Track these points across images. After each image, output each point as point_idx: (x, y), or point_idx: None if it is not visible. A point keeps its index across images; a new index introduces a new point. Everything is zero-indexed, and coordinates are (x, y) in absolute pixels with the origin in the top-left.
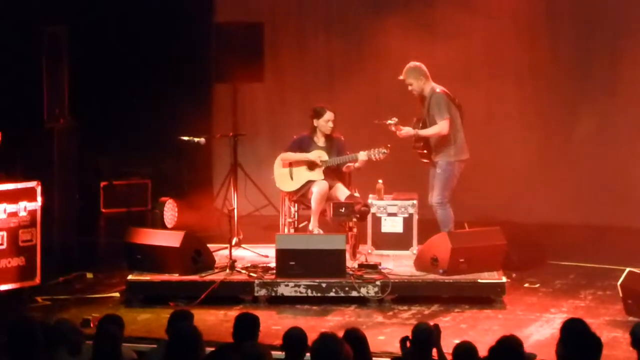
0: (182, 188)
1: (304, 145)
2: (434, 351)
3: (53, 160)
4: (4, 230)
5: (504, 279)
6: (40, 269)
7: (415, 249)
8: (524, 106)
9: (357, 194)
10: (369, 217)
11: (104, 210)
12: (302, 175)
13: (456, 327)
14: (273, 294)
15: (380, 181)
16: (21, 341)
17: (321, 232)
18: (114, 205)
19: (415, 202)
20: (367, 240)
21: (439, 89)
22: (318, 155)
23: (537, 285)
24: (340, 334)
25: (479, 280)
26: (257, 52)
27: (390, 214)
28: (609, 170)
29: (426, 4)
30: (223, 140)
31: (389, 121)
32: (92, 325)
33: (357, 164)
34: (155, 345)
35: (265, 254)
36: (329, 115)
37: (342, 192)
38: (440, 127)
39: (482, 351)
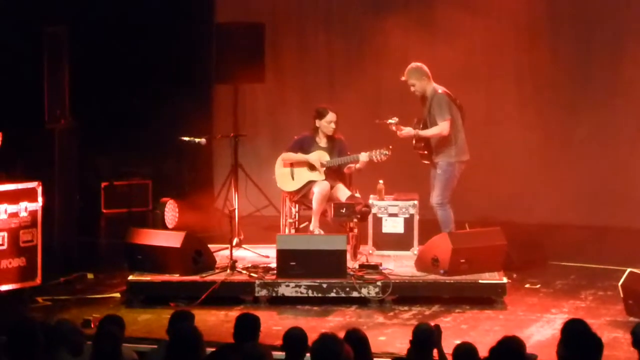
0: (183, 188)
1: (305, 145)
2: (435, 352)
3: (54, 160)
4: (5, 231)
5: (505, 280)
6: (41, 269)
7: (416, 249)
8: (524, 106)
9: (358, 195)
10: (370, 218)
11: (104, 211)
12: (303, 175)
13: (457, 328)
14: (274, 295)
15: (381, 182)
16: (22, 341)
17: (322, 232)
18: (115, 206)
19: (416, 202)
20: (367, 240)
21: (440, 89)
22: (319, 156)
23: (538, 286)
24: (341, 334)
25: (480, 281)
26: (257, 53)
27: (391, 215)
28: (610, 170)
29: (426, 4)
30: (224, 141)
31: (390, 120)
32: (92, 325)
33: (358, 165)
34: (155, 346)
35: (266, 254)
36: (331, 116)
37: (343, 192)
38: (441, 127)
39: (483, 352)
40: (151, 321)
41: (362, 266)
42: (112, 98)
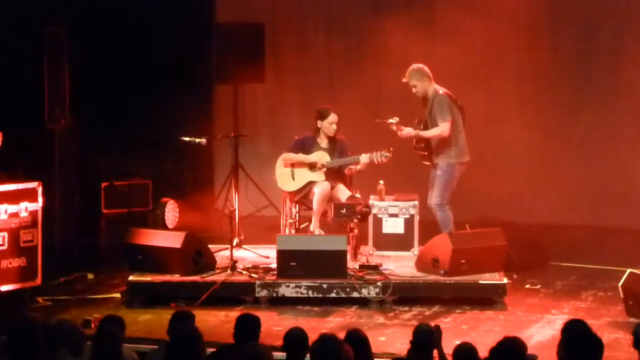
0: (183, 189)
1: (306, 145)
2: (435, 352)
3: (54, 160)
4: (5, 231)
5: (505, 280)
6: (41, 269)
7: (416, 249)
8: (524, 106)
9: (358, 195)
10: (370, 218)
11: (104, 211)
12: (304, 175)
13: (457, 328)
14: (274, 295)
15: (381, 182)
16: (22, 342)
17: (322, 233)
18: (115, 206)
19: (416, 203)
20: (368, 241)
21: (441, 90)
22: (320, 157)
23: (538, 287)
24: (342, 335)
25: (480, 281)
26: (258, 53)
27: (391, 215)
28: (610, 170)
29: (426, 4)
30: (224, 141)
31: (391, 120)
32: (93, 326)
33: (358, 167)
34: (156, 346)
35: (266, 254)
36: (333, 117)
37: (343, 193)
38: (442, 128)
39: (483, 352)
40: (151, 321)
41: (362, 267)
42: (113, 98)
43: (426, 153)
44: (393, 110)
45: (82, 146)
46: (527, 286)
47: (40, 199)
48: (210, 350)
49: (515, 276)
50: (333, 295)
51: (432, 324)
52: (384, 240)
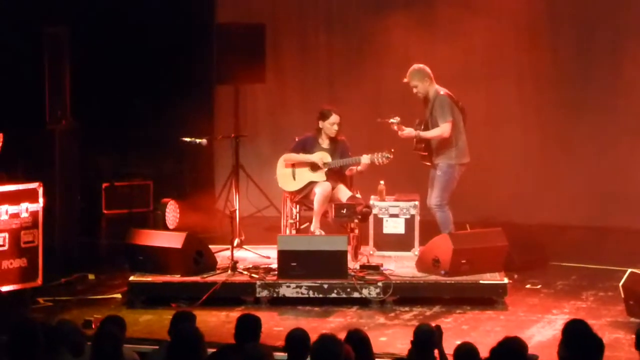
0: (184, 189)
1: (307, 146)
2: (436, 352)
3: (55, 161)
4: (6, 232)
5: (506, 280)
6: (42, 270)
7: (417, 250)
8: (525, 107)
9: (358, 195)
10: (371, 218)
11: (105, 212)
12: (305, 175)
13: (458, 328)
14: (275, 295)
15: (382, 182)
16: (22, 342)
17: (323, 233)
18: (116, 207)
19: (417, 203)
20: (368, 241)
21: (442, 91)
22: (321, 157)
23: (539, 287)
24: (342, 335)
25: (481, 282)
26: (258, 53)
27: (392, 215)
28: (611, 171)
29: (426, 4)
30: (225, 142)
31: (392, 120)
32: (93, 326)
33: (359, 167)
34: (157, 347)
35: (267, 255)
36: (334, 118)
37: (344, 193)
38: (443, 129)
39: (484, 352)
40: (152, 322)
41: (363, 267)
42: (113, 99)
43: (426, 153)
44: (393, 110)
45: (83, 147)
46: (528, 286)
47: (41, 199)
48: (211, 350)
49: (515, 276)
50: (334, 295)
51: (433, 324)
52: (384, 240)
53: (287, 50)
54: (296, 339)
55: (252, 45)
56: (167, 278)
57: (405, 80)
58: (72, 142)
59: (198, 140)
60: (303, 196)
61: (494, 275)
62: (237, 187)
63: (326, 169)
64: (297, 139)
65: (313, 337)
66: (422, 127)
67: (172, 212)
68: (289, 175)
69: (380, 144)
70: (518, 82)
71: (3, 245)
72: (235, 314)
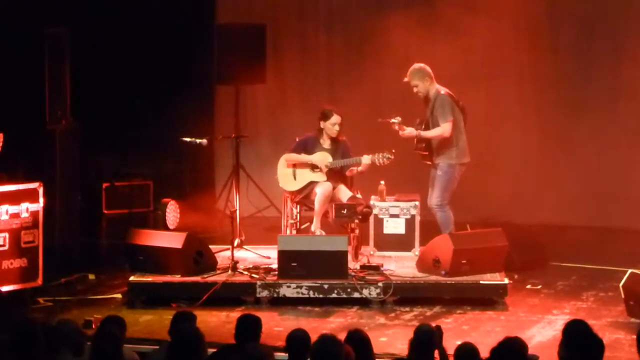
0: (184, 189)
1: (309, 146)
2: (436, 352)
3: (55, 161)
4: (6, 232)
5: (506, 281)
6: (42, 270)
7: (417, 250)
8: (525, 107)
9: (359, 196)
10: (371, 219)
11: (105, 212)
12: (306, 175)
13: (458, 329)
14: (275, 296)
15: (382, 182)
16: (23, 342)
17: (323, 233)
18: (116, 207)
19: (417, 203)
20: (369, 241)
21: (443, 90)
22: (322, 158)
23: (539, 287)
24: (343, 335)
25: (481, 282)
26: (259, 54)
27: (392, 216)
28: (611, 171)
29: (427, 4)
30: (225, 142)
31: (393, 120)
32: (94, 326)
33: (360, 168)
34: (157, 347)
35: (267, 255)
36: (335, 118)
37: (344, 193)
38: (443, 129)
39: (484, 353)
40: (152, 322)
41: (363, 267)
42: (113, 99)
43: (427, 153)
44: (394, 110)
45: (83, 147)
46: (528, 286)
47: (41, 199)
48: (211, 350)
49: (516, 276)
50: (334, 295)
51: (433, 325)
52: (385, 240)
53: (287, 50)
54: (297, 339)
55: (252, 45)
56: (168, 278)
57: (406, 79)
58: (72, 142)
59: (198, 141)
60: (304, 196)
61: (494, 276)
62: (237, 187)
63: (327, 169)
64: (297, 139)
65: (313, 337)
66: (423, 127)
67: (172, 212)
68: (289, 175)
69: (381, 144)
70: (518, 82)
71: (3, 245)
72: (235, 314)
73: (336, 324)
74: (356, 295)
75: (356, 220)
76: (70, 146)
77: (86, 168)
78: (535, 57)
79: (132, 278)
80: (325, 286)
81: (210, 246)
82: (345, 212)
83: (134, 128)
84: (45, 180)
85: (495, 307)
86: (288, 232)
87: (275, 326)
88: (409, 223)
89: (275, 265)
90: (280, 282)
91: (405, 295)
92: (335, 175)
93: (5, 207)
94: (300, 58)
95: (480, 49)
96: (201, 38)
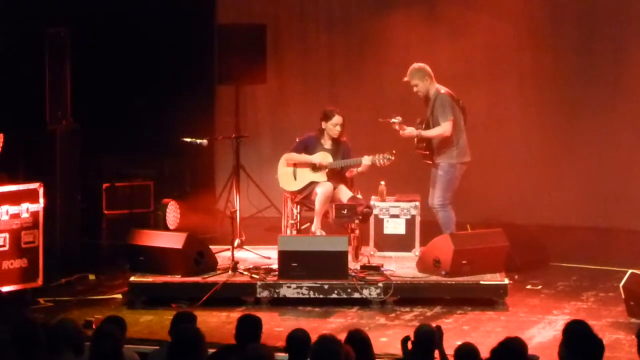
0: (185, 189)
1: (310, 146)
2: (436, 353)
3: (55, 161)
4: (7, 232)
5: (507, 281)
6: (43, 270)
7: (417, 250)
8: (526, 107)
9: (359, 196)
10: (372, 219)
11: (106, 212)
12: (306, 175)
13: (458, 329)
14: (275, 296)
15: (382, 183)
16: (23, 342)
17: (323, 233)
18: (116, 207)
19: (417, 203)
20: (369, 241)
21: (443, 90)
22: (322, 157)
23: (540, 287)
24: (343, 335)
25: (482, 282)
26: (259, 54)
27: (392, 216)
28: (612, 171)
29: (427, 3)
30: (225, 142)
31: (393, 120)
32: (94, 327)
33: (360, 169)
34: (157, 347)
35: (267, 255)
36: (337, 119)
37: (344, 193)
38: (444, 128)
39: (485, 353)
40: (153, 322)
41: (363, 267)
42: (114, 99)
43: (427, 153)
44: (394, 110)
45: (84, 147)
46: (529, 287)
47: (41, 199)
48: (211, 351)
49: (516, 277)
50: (334, 296)
51: (434, 325)
52: (385, 241)
53: (287, 50)
54: (297, 340)
55: (252, 45)
56: (168, 278)
57: (406, 79)
58: (72, 142)
59: (199, 141)
60: (304, 196)
61: (494, 276)
62: (237, 187)
63: (327, 170)
64: (297, 139)
65: (313, 337)
66: (423, 127)
67: (172, 212)
68: (290, 174)
69: (381, 144)
70: (519, 82)
71: (4, 246)
72: (235, 314)
73: (336, 324)
74: (356, 295)
75: (356, 221)
76: (70, 146)
77: (86, 168)
78: (536, 57)
79: (132, 278)
80: (326, 286)
81: (211, 246)
82: (345, 212)
83: (134, 128)
84: (45, 181)
85: (496, 308)
86: (288, 232)
87: (276, 326)
88: (409, 223)
89: (275, 266)
90: (280, 282)
91: (405, 295)
92: (336, 175)
93: (5, 207)
94: (301, 58)
95: (480, 49)
96: (201, 38)
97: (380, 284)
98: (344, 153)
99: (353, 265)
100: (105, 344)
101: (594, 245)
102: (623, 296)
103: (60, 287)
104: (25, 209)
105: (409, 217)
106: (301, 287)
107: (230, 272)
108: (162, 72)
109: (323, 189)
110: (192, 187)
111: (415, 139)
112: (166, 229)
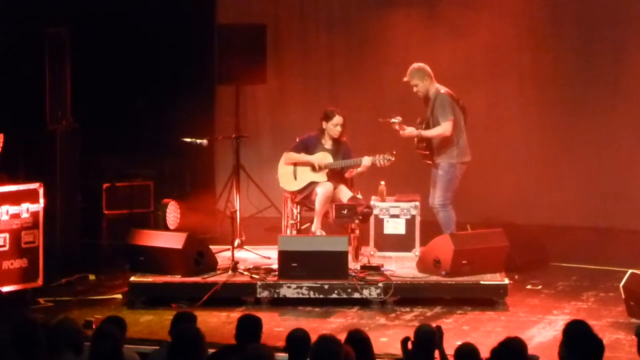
0: (185, 189)
1: (310, 146)
2: (436, 353)
3: (55, 161)
4: (7, 232)
5: (507, 281)
6: (43, 270)
7: (417, 250)
8: (526, 107)
9: (359, 196)
10: (372, 219)
11: (106, 212)
12: (306, 175)
13: (458, 329)
14: (275, 296)
15: (382, 183)
16: (23, 342)
17: (323, 233)
18: (117, 207)
19: (417, 203)
20: (369, 241)
21: (443, 90)
22: (322, 157)
23: (540, 287)
24: (343, 335)
25: (482, 282)
26: (259, 54)
27: (392, 216)
28: (612, 171)
29: (427, 3)
30: (225, 142)
31: (393, 120)
32: (94, 327)
33: (360, 169)
34: (157, 347)
35: (267, 255)
36: (338, 119)
37: (344, 193)
38: (444, 128)
39: (485, 353)
40: (153, 322)
41: (363, 267)
42: (114, 99)
43: (428, 152)
44: (395, 110)
45: (84, 147)
46: (529, 287)
47: (41, 200)
48: (211, 351)
49: (516, 277)
50: (334, 296)
51: (434, 325)
52: (385, 241)
53: (288, 50)
54: (297, 340)
55: (253, 45)
56: (168, 278)
57: (406, 79)
58: (72, 142)
59: (199, 141)
60: (304, 196)
61: (494, 276)
62: (237, 187)
63: (327, 170)
64: (298, 139)
65: (314, 337)
66: (424, 126)
67: (172, 212)
68: (290, 174)
69: (381, 144)
70: (519, 82)
71: (4, 246)
72: (235, 314)
73: (336, 324)
74: (356, 295)
75: (356, 221)
76: (70, 146)
77: (86, 168)
78: (535, 57)
79: (132, 278)
80: (326, 286)
81: (211, 246)
82: (345, 212)
83: (134, 128)
84: (45, 181)
85: (496, 308)
86: (288, 232)
87: (276, 326)
88: (409, 223)
89: (275, 266)
90: (280, 282)
91: (405, 295)
92: (336, 176)
93: (5, 207)
94: (301, 58)
95: (480, 49)
96: (201, 38)
97: (380, 284)
98: (344, 153)
99: (353, 265)
100: (105, 344)
101: (594, 245)
102: (623, 296)
103: (60, 287)
104: (26, 209)
105: (409, 217)
106: (301, 287)
107: (230, 272)
108: (162, 72)
109: (323, 189)
110: (192, 187)
111: (416, 139)
112: (166, 229)
